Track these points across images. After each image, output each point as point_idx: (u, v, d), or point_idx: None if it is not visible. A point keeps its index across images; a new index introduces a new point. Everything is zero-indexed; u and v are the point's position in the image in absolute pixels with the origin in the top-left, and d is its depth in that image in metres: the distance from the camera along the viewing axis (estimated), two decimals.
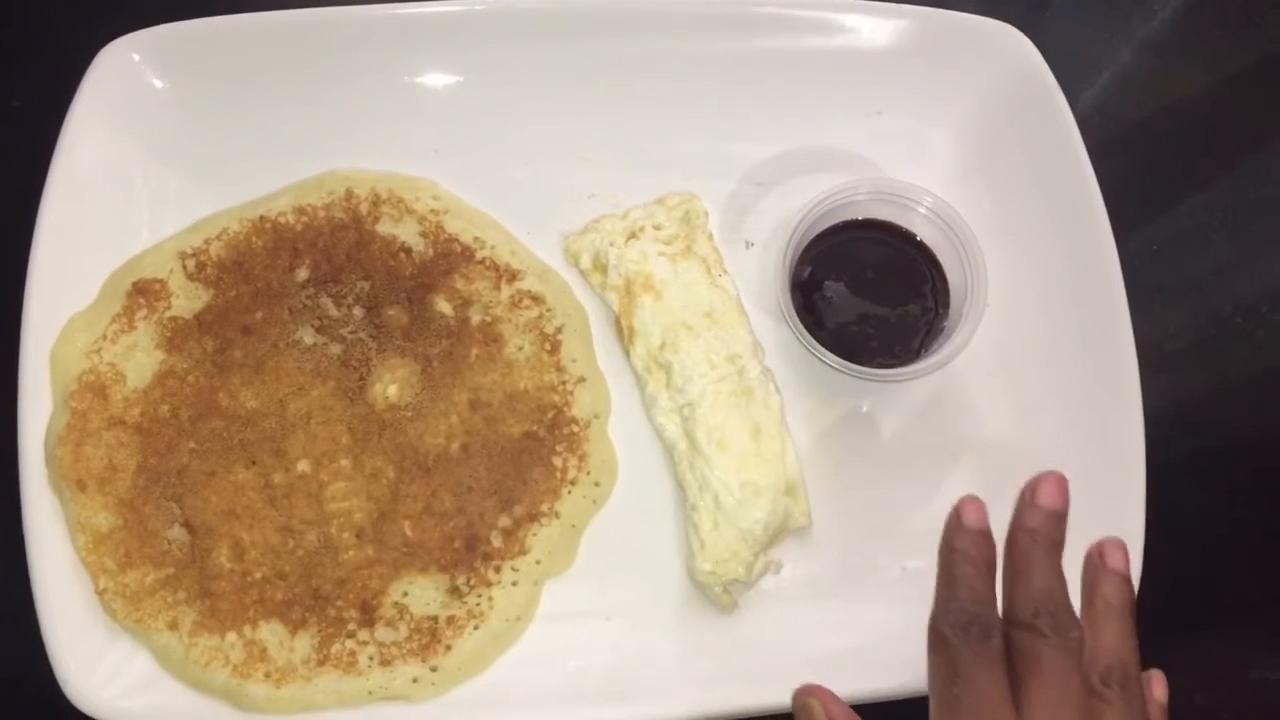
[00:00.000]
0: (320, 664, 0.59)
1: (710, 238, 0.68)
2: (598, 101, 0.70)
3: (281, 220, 0.67)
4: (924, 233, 0.68)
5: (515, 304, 0.66)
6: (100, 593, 0.60)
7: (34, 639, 0.58)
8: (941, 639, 0.44)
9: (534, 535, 0.62)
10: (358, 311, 0.66)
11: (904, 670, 0.56)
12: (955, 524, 0.47)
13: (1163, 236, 0.75)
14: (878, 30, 0.70)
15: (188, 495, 0.62)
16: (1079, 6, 0.82)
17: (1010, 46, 0.69)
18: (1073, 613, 0.45)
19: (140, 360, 0.64)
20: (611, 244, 0.67)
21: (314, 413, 0.63)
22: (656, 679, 0.60)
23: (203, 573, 0.60)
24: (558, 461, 0.64)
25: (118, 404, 0.63)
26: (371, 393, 0.64)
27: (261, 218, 0.67)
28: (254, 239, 0.66)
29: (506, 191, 0.69)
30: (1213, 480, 0.70)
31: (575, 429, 0.64)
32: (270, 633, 0.60)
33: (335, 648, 0.60)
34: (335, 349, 0.65)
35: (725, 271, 0.67)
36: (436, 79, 0.70)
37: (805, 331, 0.64)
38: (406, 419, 0.63)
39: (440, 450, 0.63)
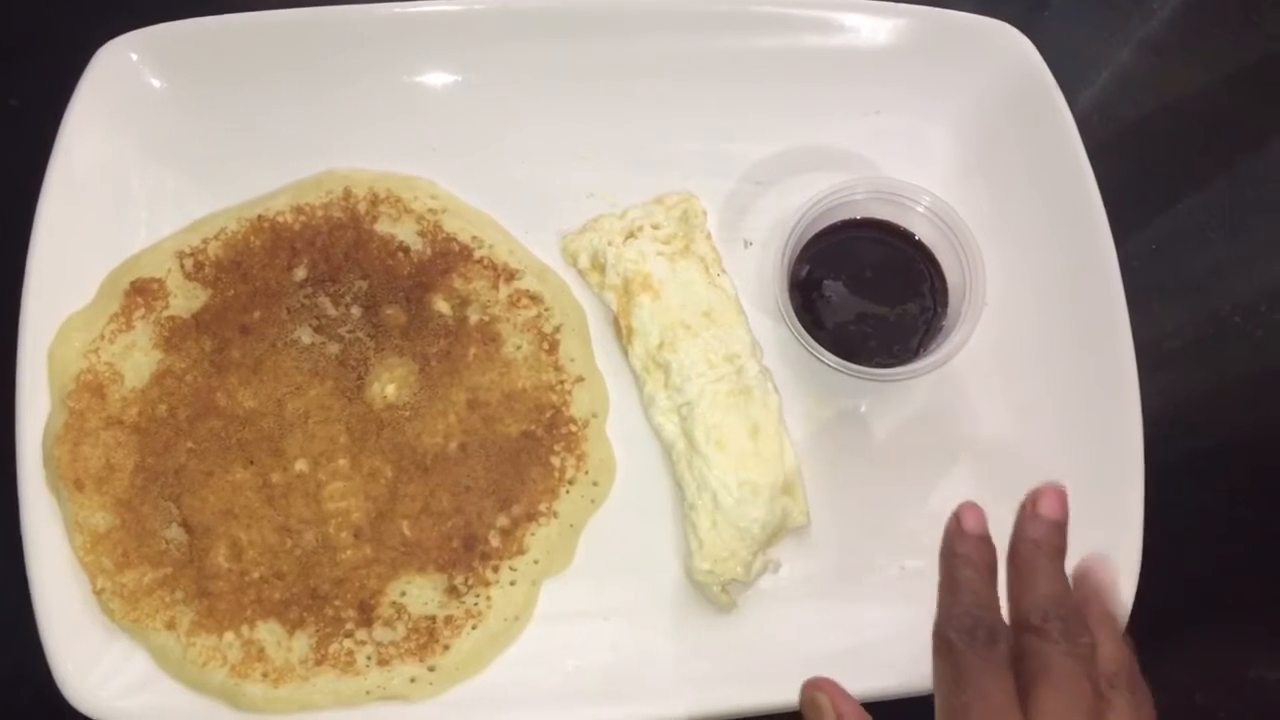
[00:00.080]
0: (318, 664, 0.59)
1: (709, 237, 0.68)
2: (596, 101, 0.70)
3: (279, 220, 0.67)
4: (922, 232, 0.67)
5: (513, 303, 0.66)
6: (98, 592, 0.60)
7: (32, 639, 0.58)
8: (947, 644, 0.43)
9: (532, 535, 0.62)
10: (356, 311, 0.65)
11: (903, 669, 0.56)
12: (955, 529, 0.47)
13: (1161, 236, 0.75)
14: (876, 29, 0.70)
15: (185, 495, 0.61)
16: (1078, 6, 0.82)
17: (1009, 46, 0.69)
18: (1083, 619, 0.44)
19: (138, 360, 0.64)
20: (610, 243, 0.67)
21: (312, 412, 0.63)
22: (655, 679, 0.60)
23: (200, 572, 0.60)
24: (556, 461, 0.64)
25: (115, 403, 0.63)
26: (369, 392, 0.64)
27: (259, 217, 0.67)
28: (252, 238, 0.66)
29: (505, 191, 0.69)
30: (1211, 479, 0.70)
31: (573, 428, 0.64)
32: (268, 632, 0.60)
33: (333, 647, 0.60)
34: (333, 348, 0.65)
35: (724, 271, 0.67)
36: (434, 78, 0.70)
37: (803, 331, 0.64)
38: (404, 418, 0.63)
39: (438, 450, 0.63)
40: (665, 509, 0.64)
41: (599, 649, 0.61)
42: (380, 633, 0.60)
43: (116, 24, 0.67)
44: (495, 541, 0.62)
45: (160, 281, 0.65)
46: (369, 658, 0.60)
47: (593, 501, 0.64)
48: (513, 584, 0.62)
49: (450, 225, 0.67)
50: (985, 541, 0.47)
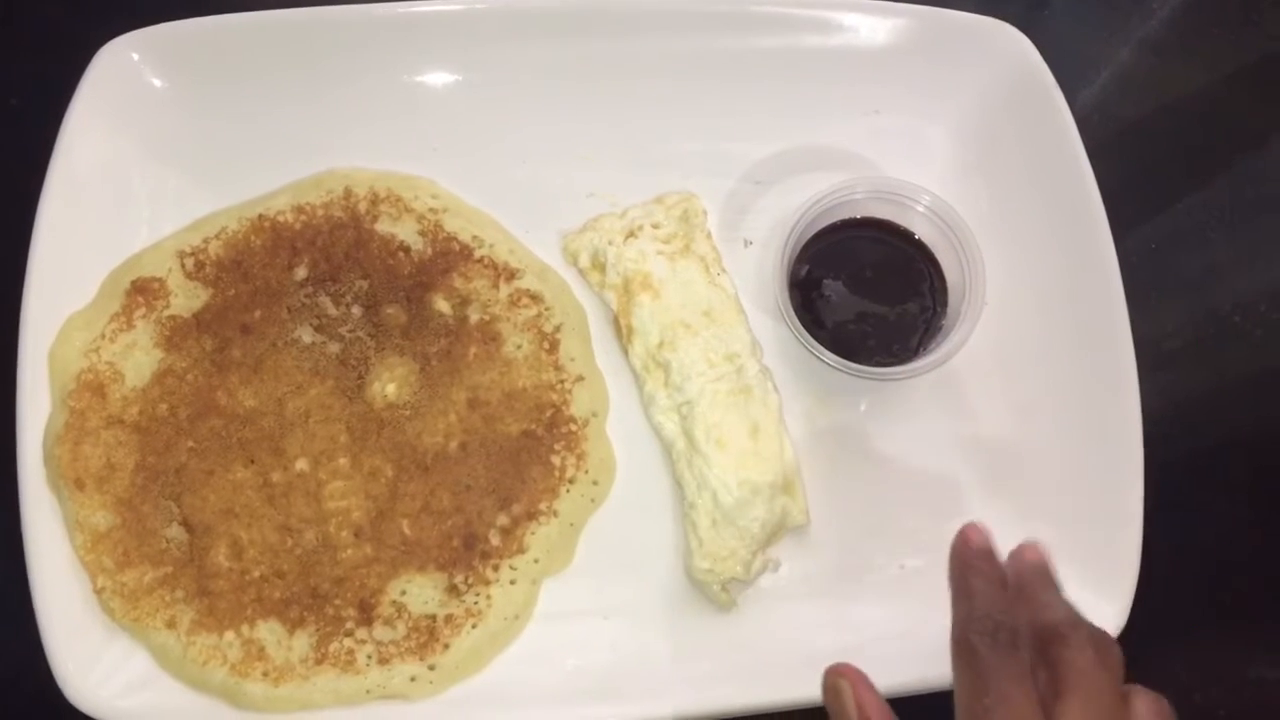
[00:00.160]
0: (318, 663, 0.59)
1: (709, 236, 0.68)
2: (596, 101, 0.70)
3: (280, 219, 0.67)
4: (922, 231, 0.68)
5: (514, 303, 0.66)
6: (98, 591, 0.60)
7: (32, 638, 0.58)
8: (969, 649, 0.42)
9: (532, 534, 0.62)
10: (356, 310, 0.66)
11: (903, 668, 0.56)
12: (962, 545, 0.47)
13: (1161, 235, 0.75)
14: (876, 29, 0.70)
15: (186, 494, 0.62)
16: (1078, 5, 0.82)
17: (1009, 45, 0.69)
18: (1107, 633, 0.44)
19: (139, 359, 0.64)
20: (610, 243, 0.67)
21: (312, 411, 0.63)
22: (655, 677, 0.60)
23: (201, 571, 0.60)
24: (556, 460, 0.64)
25: (116, 403, 0.63)
26: (370, 391, 0.64)
27: (260, 216, 0.67)
28: (253, 238, 0.66)
29: (505, 190, 0.69)
30: (1211, 479, 0.70)
31: (573, 427, 0.64)
32: (268, 631, 0.60)
33: (333, 646, 0.60)
34: (334, 348, 0.65)
35: (724, 270, 0.67)
36: (435, 78, 0.70)
37: (803, 330, 0.64)
38: (405, 418, 0.63)
39: (438, 449, 0.63)
40: (665, 508, 0.64)
41: (599, 648, 0.61)
42: (380, 632, 0.60)
43: (117, 24, 0.67)
44: (495, 540, 0.62)
45: (161, 281, 0.65)
46: (369, 657, 0.60)
47: (593, 500, 0.64)
48: (513, 583, 0.62)
49: (451, 225, 0.67)
50: (994, 558, 0.47)
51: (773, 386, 0.65)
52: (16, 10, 0.78)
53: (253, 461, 0.62)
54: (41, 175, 0.64)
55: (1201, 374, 0.72)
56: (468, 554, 0.62)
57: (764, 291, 0.68)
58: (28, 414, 0.61)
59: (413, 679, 0.60)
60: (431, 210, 0.67)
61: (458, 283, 0.66)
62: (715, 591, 0.61)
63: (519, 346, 0.65)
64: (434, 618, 0.61)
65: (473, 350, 0.65)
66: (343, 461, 0.63)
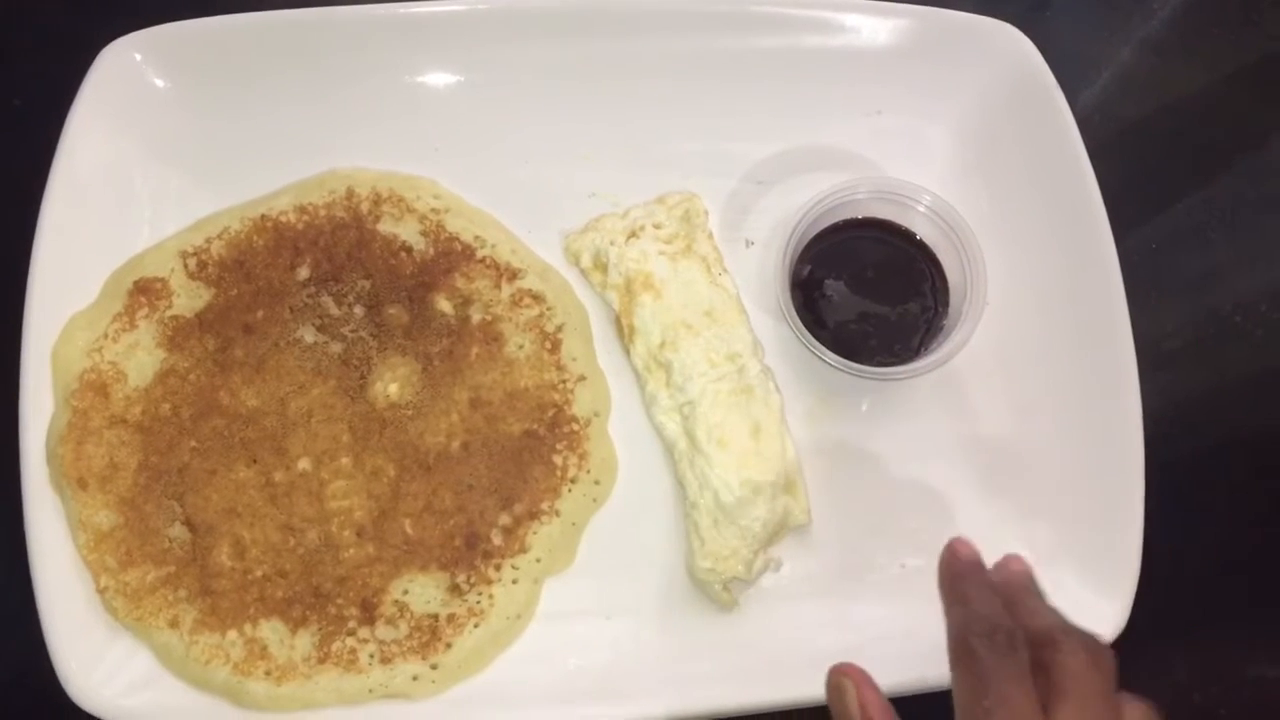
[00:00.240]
0: (321, 662, 0.60)
1: (710, 236, 0.68)
2: (598, 101, 0.70)
3: (283, 219, 0.67)
4: (923, 231, 0.68)
5: (516, 303, 0.66)
6: (101, 591, 0.60)
7: (35, 637, 0.58)
8: (968, 651, 0.42)
9: (534, 533, 0.62)
10: (358, 310, 0.66)
11: (904, 667, 0.57)
12: (951, 558, 0.48)
13: (1162, 235, 0.75)
14: (877, 29, 0.70)
15: (189, 493, 0.62)
16: (1078, 5, 0.82)
17: (1010, 45, 0.69)
18: (1099, 638, 0.44)
19: (141, 359, 0.64)
20: (612, 243, 0.67)
21: (315, 411, 0.63)
22: (656, 677, 0.60)
23: (203, 571, 0.61)
24: (558, 460, 0.64)
25: (119, 402, 0.63)
26: (372, 391, 0.64)
27: (263, 216, 0.67)
28: (255, 238, 0.67)
29: (507, 190, 0.69)
30: (1211, 479, 0.70)
31: (575, 427, 0.64)
32: (271, 630, 0.60)
33: (336, 645, 0.60)
34: (336, 348, 0.65)
35: (725, 270, 0.68)
36: (437, 78, 0.70)
37: (805, 330, 0.64)
38: (407, 417, 0.64)
39: (441, 448, 0.63)
40: (667, 508, 0.64)
41: (600, 647, 0.61)
42: (383, 631, 0.60)
43: (120, 24, 0.67)
44: (497, 540, 0.62)
45: (164, 281, 0.65)
46: (372, 656, 0.60)
47: (595, 500, 0.64)
48: (515, 582, 0.62)
49: (453, 225, 0.67)
50: (983, 569, 0.48)
51: (774, 386, 0.65)
52: (19, 11, 0.78)
53: (255, 461, 0.62)
54: (44, 175, 0.64)
55: (1202, 374, 0.72)
56: (470, 553, 0.62)
57: (765, 291, 0.68)
58: (31, 414, 0.62)
59: (415, 678, 0.60)
60: (434, 210, 0.68)
61: (460, 283, 0.66)
62: (717, 591, 0.61)
63: (521, 346, 0.66)
64: (436, 617, 0.61)
65: (475, 350, 0.65)
66: (345, 461, 0.63)
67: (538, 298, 0.66)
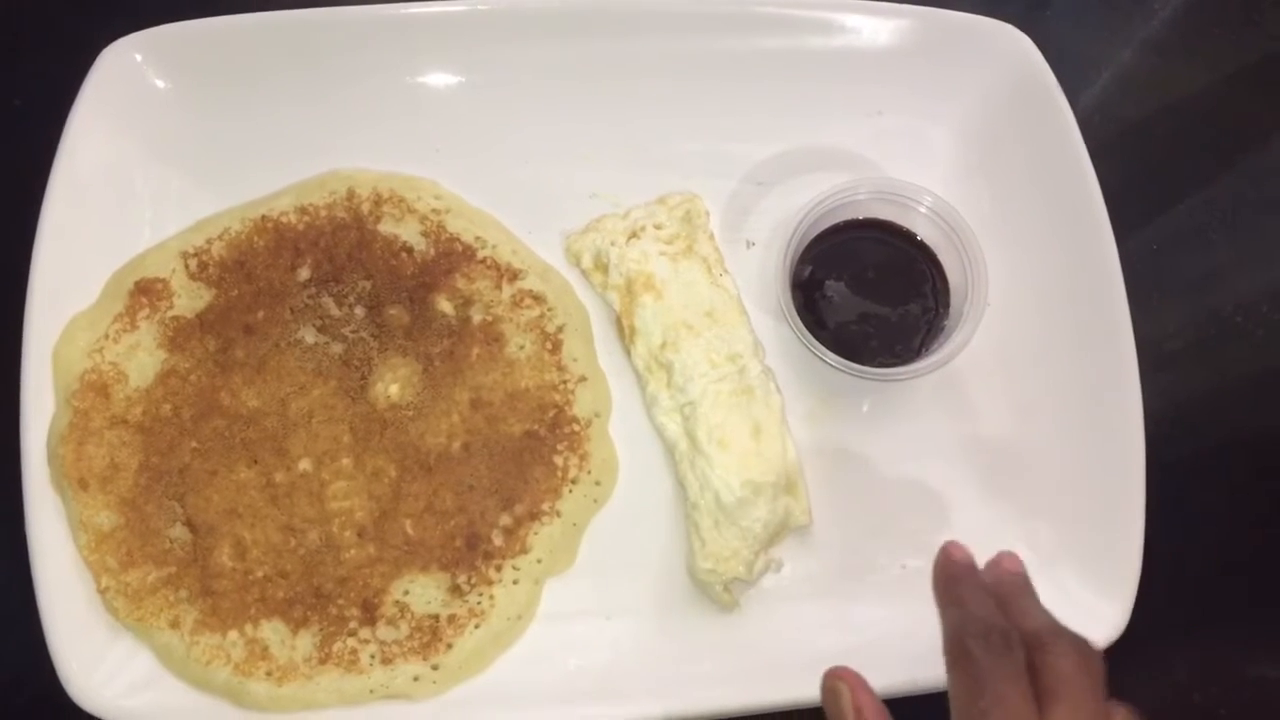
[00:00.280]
0: (322, 662, 0.60)
1: (711, 237, 0.68)
2: (599, 101, 0.70)
3: (283, 220, 0.67)
4: (924, 232, 0.68)
5: (516, 303, 0.66)
6: (102, 591, 0.60)
7: (36, 638, 0.58)
8: (964, 652, 0.43)
9: (535, 534, 0.63)
10: (359, 311, 0.66)
11: (905, 668, 0.57)
12: (945, 560, 0.48)
13: (1163, 236, 0.75)
14: (878, 30, 0.70)
15: (189, 494, 0.62)
16: (1079, 6, 0.82)
17: (1010, 46, 0.69)
18: (1089, 640, 0.44)
19: (142, 359, 0.64)
20: (613, 243, 0.67)
21: (315, 412, 0.63)
22: (657, 678, 0.60)
23: (204, 571, 0.61)
24: (559, 460, 0.64)
25: (120, 403, 0.63)
26: (373, 392, 0.64)
27: (263, 217, 0.67)
28: (256, 238, 0.67)
29: (508, 191, 0.69)
30: (1211, 479, 0.70)
31: (576, 428, 0.64)
32: (272, 631, 0.60)
33: (337, 646, 0.60)
34: (337, 348, 0.65)
35: (726, 271, 0.68)
36: (438, 79, 0.70)
37: (806, 331, 0.64)
38: (408, 418, 0.64)
39: (441, 449, 0.63)
40: (668, 508, 0.64)
41: (601, 648, 0.61)
42: (384, 631, 0.60)
43: (121, 25, 0.67)
44: (498, 540, 0.62)
45: (164, 281, 0.65)
46: (372, 656, 0.60)
47: (595, 501, 0.64)
48: (515, 583, 0.62)
49: (453, 225, 0.67)
50: (977, 571, 0.48)
51: (775, 387, 0.65)
52: (20, 11, 0.78)
53: (256, 462, 0.62)
54: (45, 176, 0.64)
55: (1203, 374, 0.72)
56: (470, 554, 0.62)
57: (766, 292, 0.68)
58: (32, 414, 0.61)
59: (416, 679, 0.60)
60: (434, 211, 0.68)
61: (460, 283, 0.66)
62: (718, 592, 0.61)
63: (522, 347, 0.66)
64: (437, 617, 0.61)
65: (475, 351, 0.65)
66: (346, 462, 0.63)
67: (538, 298, 0.66)
